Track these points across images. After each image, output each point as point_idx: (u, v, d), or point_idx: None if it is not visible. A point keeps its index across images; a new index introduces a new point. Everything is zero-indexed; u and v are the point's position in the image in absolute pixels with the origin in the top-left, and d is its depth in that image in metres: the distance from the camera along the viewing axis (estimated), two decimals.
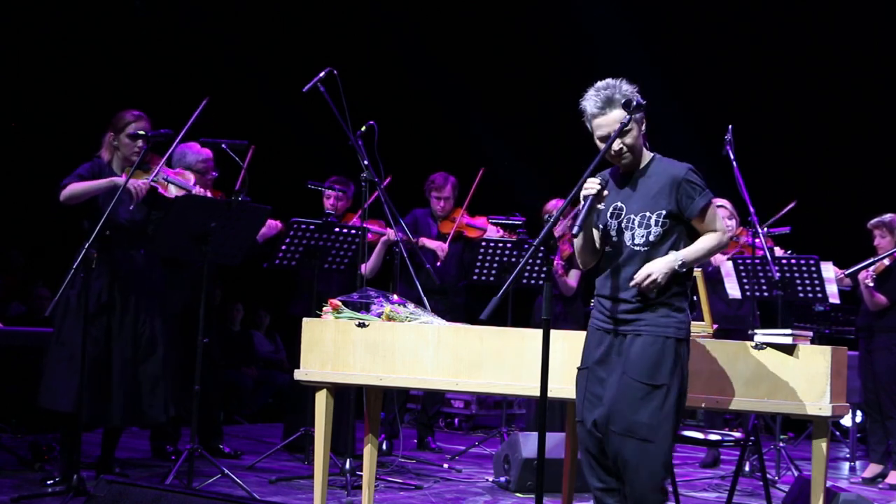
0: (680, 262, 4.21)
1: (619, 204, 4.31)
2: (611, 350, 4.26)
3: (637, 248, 4.26)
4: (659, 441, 4.13)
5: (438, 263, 7.89)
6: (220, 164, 6.89)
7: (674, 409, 4.16)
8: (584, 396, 4.29)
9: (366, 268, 6.84)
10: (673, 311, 4.21)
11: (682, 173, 4.27)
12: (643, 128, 4.30)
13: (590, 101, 4.27)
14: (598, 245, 4.39)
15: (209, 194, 6.25)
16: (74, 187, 5.78)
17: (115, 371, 5.86)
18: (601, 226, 4.34)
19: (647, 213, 4.25)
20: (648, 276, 4.17)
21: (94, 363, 5.72)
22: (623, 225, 4.28)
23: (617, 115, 4.21)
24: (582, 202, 4.17)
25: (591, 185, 4.16)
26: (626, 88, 4.26)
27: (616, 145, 4.23)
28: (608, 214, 4.32)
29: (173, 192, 5.98)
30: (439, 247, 8.02)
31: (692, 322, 4.38)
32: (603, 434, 4.20)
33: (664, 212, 4.23)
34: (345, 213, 7.69)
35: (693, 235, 4.32)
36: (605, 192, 4.22)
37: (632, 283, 4.21)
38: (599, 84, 4.30)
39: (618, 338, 4.25)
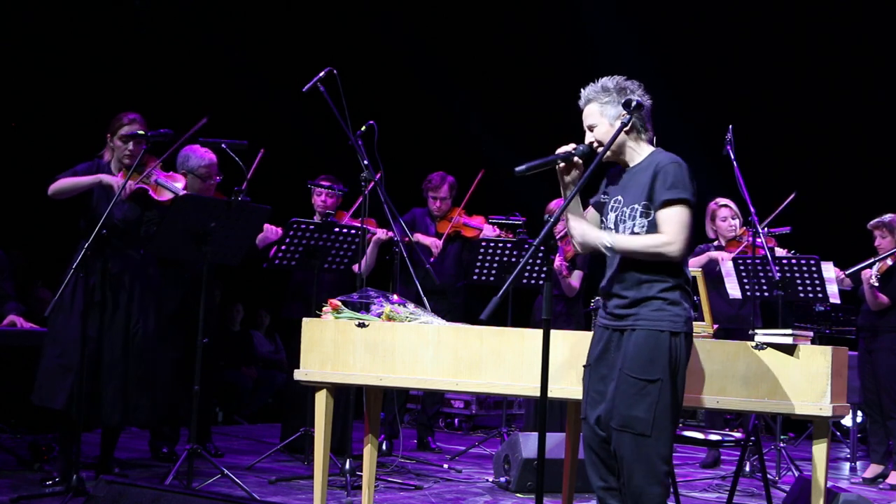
0: (607, 245, 4.19)
1: (619, 198, 4.31)
2: (609, 346, 4.25)
3: None
4: (656, 435, 4.11)
5: (432, 259, 7.88)
6: (222, 166, 6.87)
7: (671, 403, 4.14)
8: (587, 393, 4.31)
9: (359, 267, 6.82)
10: (667, 304, 4.17)
11: (664, 164, 4.19)
12: (629, 124, 4.24)
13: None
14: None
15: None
16: (62, 182, 5.83)
17: (104, 370, 5.85)
18: (603, 220, 4.34)
19: (635, 206, 4.23)
20: (574, 233, 4.18)
21: (87, 362, 5.70)
22: (618, 218, 4.28)
23: (588, 109, 4.31)
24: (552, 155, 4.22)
25: (567, 146, 4.24)
26: (609, 85, 4.29)
27: (588, 138, 4.32)
28: (609, 208, 4.32)
29: (166, 196, 5.97)
30: (433, 243, 8.01)
31: (693, 322, 4.36)
32: (605, 430, 4.20)
33: (647, 202, 4.20)
34: (336, 211, 7.67)
35: (699, 234, 4.31)
36: (577, 160, 4.22)
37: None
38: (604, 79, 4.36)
39: (615, 333, 4.25)
